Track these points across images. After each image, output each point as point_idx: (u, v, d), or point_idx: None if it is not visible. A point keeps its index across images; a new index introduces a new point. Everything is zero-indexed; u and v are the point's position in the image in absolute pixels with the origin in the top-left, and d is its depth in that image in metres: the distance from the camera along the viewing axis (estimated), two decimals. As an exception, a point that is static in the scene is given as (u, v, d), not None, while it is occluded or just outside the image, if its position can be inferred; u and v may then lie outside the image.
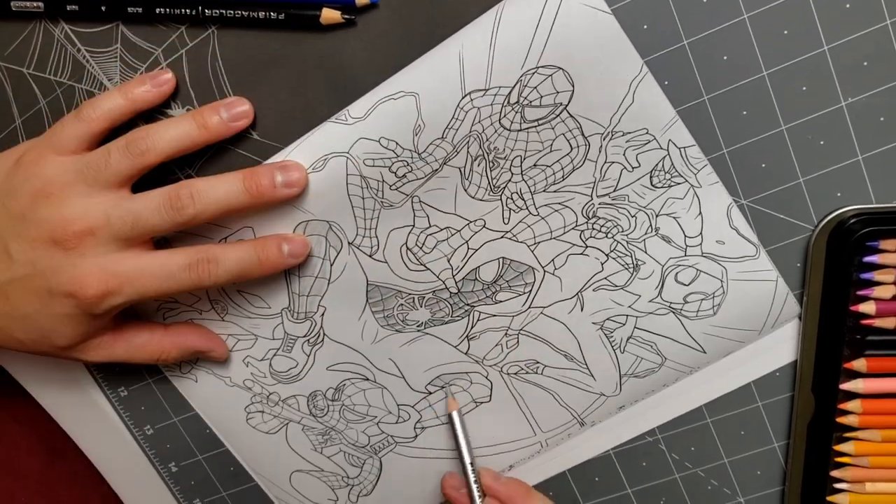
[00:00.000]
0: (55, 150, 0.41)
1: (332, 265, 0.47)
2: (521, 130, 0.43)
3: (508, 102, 0.42)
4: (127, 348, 0.45)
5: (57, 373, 0.51)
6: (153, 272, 0.41)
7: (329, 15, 0.41)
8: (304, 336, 0.49)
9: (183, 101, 0.44)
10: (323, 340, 0.49)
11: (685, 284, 0.46)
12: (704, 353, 0.48)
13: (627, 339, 0.48)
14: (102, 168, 0.40)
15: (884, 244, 0.44)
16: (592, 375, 0.49)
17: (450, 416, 0.50)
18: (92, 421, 0.53)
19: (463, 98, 0.42)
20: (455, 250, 0.46)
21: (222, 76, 0.44)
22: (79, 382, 0.52)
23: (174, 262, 0.41)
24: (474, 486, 0.49)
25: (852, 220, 0.44)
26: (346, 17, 0.41)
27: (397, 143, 0.43)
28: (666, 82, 0.42)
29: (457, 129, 0.42)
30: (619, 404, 0.50)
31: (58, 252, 0.40)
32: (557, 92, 0.42)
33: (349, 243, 0.46)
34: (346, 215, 0.45)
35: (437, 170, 0.44)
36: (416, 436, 0.52)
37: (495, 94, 0.42)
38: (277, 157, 0.44)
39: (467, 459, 0.50)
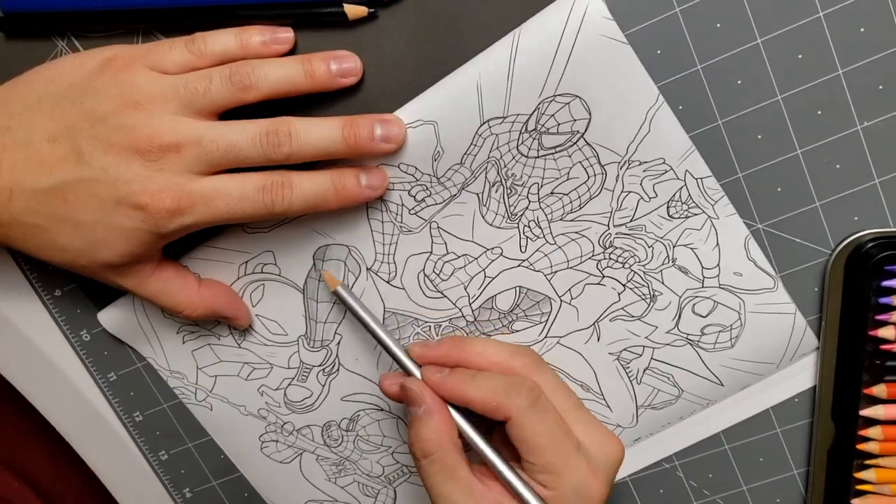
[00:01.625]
0: (151, 65, 0.39)
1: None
2: (538, 157, 0.43)
3: (526, 129, 0.42)
4: (161, 288, 0.43)
5: (71, 395, 0.51)
6: (228, 192, 0.39)
7: (354, 11, 0.41)
8: (320, 365, 0.49)
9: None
10: (338, 370, 0.49)
11: (702, 316, 0.46)
12: (722, 385, 0.48)
13: (644, 371, 0.48)
14: (201, 94, 0.39)
15: (902, 268, 0.44)
16: (609, 406, 0.49)
17: (336, 293, 0.45)
18: (106, 445, 0.53)
19: (481, 126, 0.42)
20: (472, 278, 0.46)
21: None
22: (93, 405, 0.52)
23: (249, 184, 0.40)
24: (404, 358, 0.43)
25: (870, 244, 0.44)
26: (370, 10, 0.41)
27: (416, 168, 0.43)
28: (680, 107, 0.42)
29: (475, 156, 0.43)
30: (636, 436, 0.50)
31: (135, 162, 0.38)
32: (574, 120, 0.42)
33: (367, 269, 0.46)
34: (366, 240, 0.45)
35: (455, 195, 0.44)
36: None
37: (513, 122, 0.42)
38: None
39: (380, 332, 0.44)
